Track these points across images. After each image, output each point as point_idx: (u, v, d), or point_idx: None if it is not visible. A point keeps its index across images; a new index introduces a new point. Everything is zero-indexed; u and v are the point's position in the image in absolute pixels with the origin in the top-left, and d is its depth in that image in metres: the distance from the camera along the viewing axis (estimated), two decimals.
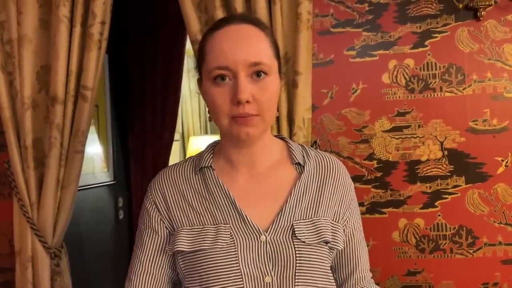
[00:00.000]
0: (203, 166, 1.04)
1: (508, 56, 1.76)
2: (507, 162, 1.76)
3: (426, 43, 1.83)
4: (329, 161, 1.09)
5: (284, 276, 0.95)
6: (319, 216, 1.01)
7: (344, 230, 1.06)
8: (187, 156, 4.29)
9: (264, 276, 0.95)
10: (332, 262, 1.08)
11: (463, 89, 1.80)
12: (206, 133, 4.71)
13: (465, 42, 1.80)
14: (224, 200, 1.01)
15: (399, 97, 1.83)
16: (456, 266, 1.79)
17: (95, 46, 1.73)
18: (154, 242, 1.04)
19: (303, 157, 1.07)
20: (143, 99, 2.96)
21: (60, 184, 1.78)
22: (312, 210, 1.02)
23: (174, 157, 3.70)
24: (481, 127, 1.79)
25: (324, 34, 1.86)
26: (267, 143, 1.05)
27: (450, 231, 1.81)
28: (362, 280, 1.08)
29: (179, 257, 1.01)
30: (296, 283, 0.94)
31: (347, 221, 1.07)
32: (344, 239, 1.06)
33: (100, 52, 1.75)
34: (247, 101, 0.93)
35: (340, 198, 1.06)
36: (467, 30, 1.80)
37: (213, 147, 1.09)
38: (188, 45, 3.05)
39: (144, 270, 1.03)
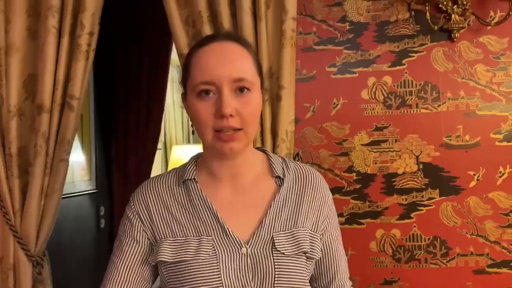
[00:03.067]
0: (186, 178, 1.05)
1: (480, 76, 1.83)
2: (478, 176, 1.83)
3: (403, 61, 1.89)
4: (308, 174, 1.10)
5: (263, 285, 0.97)
6: (298, 227, 1.03)
7: (322, 240, 1.07)
8: (169, 165, 4.22)
9: (245, 287, 0.97)
10: (312, 272, 1.09)
11: (438, 106, 1.86)
12: (189, 142, 4.66)
13: (440, 62, 1.86)
14: (206, 212, 1.01)
15: (377, 112, 1.88)
16: (431, 275, 1.83)
17: (83, 56, 1.73)
18: (133, 252, 1.04)
19: (283, 170, 1.09)
20: (127, 108, 2.94)
21: (44, 192, 1.76)
22: (291, 221, 1.03)
23: (157, 166, 3.68)
24: (455, 142, 1.85)
25: (307, 51, 1.91)
26: (250, 157, 1.07)
27: (425, 241, 1.85)
28: (342, 286, 1.09)
29: (162, 268, 1.01)
30: None
31: (325, 231, 1.08)
32: (322, 249, 1.07)
33: (87, 62, 1.76)
34: (231, 115, 0.95)
35: (318, 209, 1.07)
36: (442, 51, 1.86)
37: (196, 159, 1.09)
38: (173, 55, 3.04)
39: (120, 279, 1.03)
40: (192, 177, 1.04)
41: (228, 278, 0.96)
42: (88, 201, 2.70)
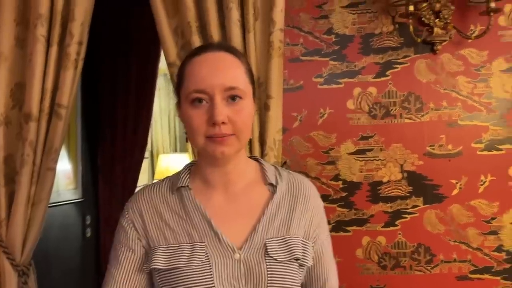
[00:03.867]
0: (180, 186, 1.06)
1: (461, 87, 1.89)
2: (461, 185, 1.88)
3: (387, 73, 1.94)
4: (301, 182, 1.12)
5: None
6: (290, 234, 1.04)
7: (313, 247, 1.08)
8: (155, 174, 4.23)
9: None
10: (303, 279, 1.11)
11: (421, 116, 1.91)
12: (176, 151, 4.67)
13: (423, 73, 1.92)
14: (200, 219, 1.02)
15: (363, 122, 1.92)
16: (415, 282, 1.87)
17: (72, 65, 1.72)
18: (130, 261, 1.05)
19: (276, 177, 1.10)
20: (114, 116, 2.93)
21: (30, 201, 1.74)
22: (284, 228, 1.04)
23: (143, 175, 3.67)
24: (438, 151, 1.89)
25: (294, 62, 1.95)
26: (242, 164, 1.08)
27: (409, 248, 1.89)
28: None
29: (156, 275, 1.02)
30: None
31: (317, 240, 1.10)
32: (313, 256, 1.08)
33: (76, 71, 1.75)
34: (223, 122, 0.97)
35: (310, 217, 1.09)
36: (425, 62, 1.91)
37: (189, 167, 1.11)
38: (160, 64, 3.02)
39: (117, 285, 1.04)
40: (186, 184, 1.06)
41: (221, 284, 0.97)
42: (74, 210, 2.68)
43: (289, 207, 1.07)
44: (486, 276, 1.86)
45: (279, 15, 1.66)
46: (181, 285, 0.98)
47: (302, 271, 1.05)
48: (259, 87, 1.71)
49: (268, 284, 0.99)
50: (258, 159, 1.14)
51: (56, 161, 1.78)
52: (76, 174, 2.67)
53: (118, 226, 1.09)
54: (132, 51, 2.89)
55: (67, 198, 2.58)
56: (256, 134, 1.68)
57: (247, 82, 1.04)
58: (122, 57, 2.87)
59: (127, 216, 1.06)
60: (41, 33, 1.71)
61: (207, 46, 1.08)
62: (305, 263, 1.04)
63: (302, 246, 1.04)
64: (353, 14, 1.95)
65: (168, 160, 4.06)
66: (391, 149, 1.91)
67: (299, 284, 1.04)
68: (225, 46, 1.10)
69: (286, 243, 1.02)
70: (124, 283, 1.04)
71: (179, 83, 1.06)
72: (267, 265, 0.99)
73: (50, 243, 2.33)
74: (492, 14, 1.77)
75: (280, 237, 1.02)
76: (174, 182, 1.08)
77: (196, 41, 1.68)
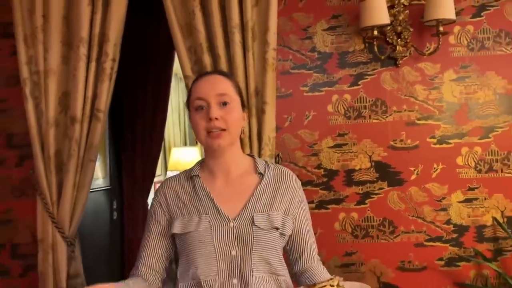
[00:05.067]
0: (192, 175, 1.25)
1: (418, 93, 1.98)
2: (417, 171, 1.97)
3: (359, 82, 2.00)
4: (283, 172, 1.26)
5: (244, 251, 1.14)
6: (273, 210, 1.18)
7: (293, 222, 1.22)
8: (168, 165, 4.19)
9: (231, 251, 1.14)
10: (287, 246, 1.24)
11: (386, 117, 1.99)
12: (186, 144, 4.63)
13: (387, 83, 2.00)
14: (206, 198, 1.20)
15: (340, 122, 2.01)
16: (381, 248, 1.97)
17: (107, 78, 1.82)
18: (157, 230, 1.25)
19: (265, 168, 1.25)
20: (134, 117, 2.92)
21: (76, 187, 1.84)
22: (268, 206, 1.19)
23: (158, 166, 3.66)
24: (399, 145, 1.98)
25: (285, 74, 2.02)
26: (237, 156, 1.24)
27: (376, 222, 1.98)
28: (310, 260, 1.23)
29: (176, 238, 1.21)
30: (252, 255, 1.14)
31: (296, 216, 1.23)
32: (292, 228, 1.21)
33: (110, 82, 1.84)
34: (216, 118, 1.15)
35: (290, 198, 1.22)
36: (389, 74, 1.99)
37: (200, 162, 1.29)
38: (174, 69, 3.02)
39: (149, 248, 1.24)
40: (197, 174, 1.25)
41: (219, 243, 1.14)
42: (104, 196, 2.75)
43: (273, 190, 1.22)
44: (438, 243, 1.95)
45: (272, 37, 1.76)
46: (191, 244, 1.16)
47: (282, 239, 1.20)
48: (257, 95, 1.78)
49: (254, 245, 1.14)
50: (253, 155, 1.31)
51: (96, 155, 1.86)
52: (105, 166, 2.74)
53: (150, 206, 1.29)
54: (149, 59, 2.89)
55: (99, 186, 2.65)
56: (254, 132, 1.76)
57: (235, 93, 1.22)
58: (140, 64, 2.86)
59: (156, 199, 1.27)
60: (82, 52, 1.80)
61: (206, 72, 1.31)
62: (284, 233, 1.19)
63: (282, 219, 1.18)
64: (332, 35, 2.00)
65: (179, 153, 4.03)
66: (362, 143, 1.99)
67: (279, 249, 1.19)
68: (219, 71, 1.35)
69: (268, 216, 1.17)
70: (153, 244, 1.24)
71: (188, 97, 1.26)
72: (253, 231, 1.15)
73: (87, 223, 2.38)
74: (440, 35, 1.87)
75: (265, 212, 1.17)
76: (188, 173, 1.28)
77: (206, 59, 1.77)
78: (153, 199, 1.30)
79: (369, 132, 2.00)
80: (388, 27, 1.94)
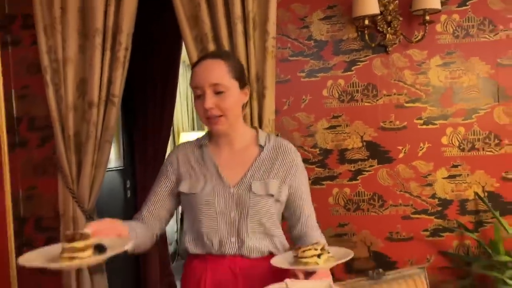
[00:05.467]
0: (202, 144, 1.30)
1: (406, 78, 2.01)
2: (405, 150, 2.02)
3: (352, 68, 2.04)
4: (283, 145, 1.29)
5: (242, 213, 1.20)
6: (270, 179, 1.22)
7: (289, 189, 1.25)
8: None
9: (230, 213, 1.20)
10: (285, 213, 1.29)
11: (376, 100, 2.03)
12: (193, 129, 4.66)
13: (378, 68, 2.03)
14: (211, 165, 1.26)
15: (334, 105, 2.05)
16: (371, 220, 2.03)
17: (121, 66, 1.89)
18: (165, 183, 1.30)
19: (265, 141, 1.28)
20: (145, 103, 2.93)
21: (94, 165, 1.92)
22: (266, 174, 1.23)
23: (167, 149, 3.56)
24: (388, 126, 2.03)
25: (284, 61, 2.05)
26: (240, 132, 1.27)
27: (367, 196, 2.04)
28: (306, 227, 1.26)
29: (182, 196, 1.27)
30: (248, 218, 1.19)
31: (292, 184, 1.26)
32: (289, 196, 1.25)
33: (124, 69, 1.91)
34: (211, 108, 1.18)
35: (288, 168, 1.25)
36: (380, 60, 2.02)
37: (208, 134, 1.32)
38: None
39: (155, 198, 1.29)
40: (205, 143, 1.30)
41: (219, 206, 1.21)
42: (118, 175, 2.80)
43: (271, 160, 1.26)
44: (423, 216, 2.01)
45: (272, 27, 1.81)
46: (196, 204, 1.22)
47: (278, 205, 1.24)
48: (258, 80, 1.83)
49: (250, 209, 1.20)
50: (256, 128, 1.36)
51: (112, 136, 1.94)
52: (119, 148, 2.79)
53: (163, 164, 1.35)
54: (158, 48, 2.88)
55: (114, 166, 2.70)
56: (255, 115, 1.82)
57: (229, 78, 1.20)
58: (150, 53, 2.85)
59: (169, 159, 1.33)
60: (98, 42, 1.87)
61: (203, 56, 1.28)
62: (279, 199, 1.23)
63: (278, 187, 1.22)
64: (327, 25, 2.04)
65: (188, 137, 3.91)
66: (354, 125, 2.03)
67: (274, 213, 1.24)
68: (215, 53, 1.30)
69: (265, 184, 1.21)
70: (159, 193, 1.29)
71: (190, 84, 1.29)
72: (250, 197, 1.20)
73: (103, 200, 2.37)
74: (427, 24, 1.91)
75: (262, 180, 1.22)
76: (199, 142, 1.33)
77: (211, 48, 1.83)
78: (166, 158, 1.35)
79: (361, 114, 2.04)
80: (379, 16, 1.96)
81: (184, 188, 1.25)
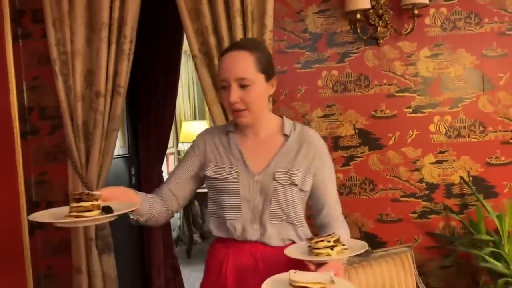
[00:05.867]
0: (228, 130, 1.27)
1: (397, 69, 2.06)
2: (395, 137, 2.07)
3: (345, 60, 2.08)
4: (308, 133, 1.25)
5: (266, 201, 1.18)
6: (294, 168, 1.18)
7: (314, 179, 1.20)
8: (180, 137, 4.20)
9: (254, 200, 1.18)
10: (309, 201, 1.25)
11: (368, 90, 2.08)
12: (195, 118, 4.64)
13: (370, 60, 2.07)
14: (237, 152, 1.23)
15: (328, 95, 2.09)
16: (362, 203, 2.08)
17: (126, 58, 1.95)
18: (189, 165, 1.28)
19: (291, 130, 1.23)
20: (148, 94, 2.91)
21: (101, 153, 2.00)
22: (290, 164, 1.19)
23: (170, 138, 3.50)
24: (379, 115, 2.08)
25: (280, 53, 2.08)
26: (265, 122, 1.24)
27: (359, 181, 2.09)
28: (329, 217, 1.22)
29: (207, 180, 1.25)
30: (271, 206, 1.17)
31: (317, 173, 1.21)
32: (313, 185, 1.21)
33: (129, 61, 1.97)
34: (236, 101, 1.15)
35: (312, 158, 1.21)
36: (372, 52, 2.07)
37: (234, 121, 1.27)
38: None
39: (176, 177, 1.28)
40: (232, 130, 1.27)
41: (244, 192, 1.19)
42: (123, 162, 2.83)
43: (296, 149, 1.22)
44: (412, 199, 2.07)
45: (269, 20, 1.87)
46: (221, 189, 1.21)
47: (302, 194, 1.20)
48: None
49: (273, 198, 1.17)
50: (283, 116, 1.29)
51: (118, 125, 2.00)
52: (124, 136, 2.82)
53: (189, 147, 1.33)
54: (161, 41, 2.87)
55: (119, 154, 2.70)
56: None
57: (255, 71, 1.16)
58: (152, 47, 2.85)
59: (196, 142, 1.31)
60: (104, 35, 1.93)
61: (229, 47, 1.24)
62: (303, 189, 1.19)
63: (302, 177, 1.18)
64: (322, 18, 2.07)
65: (189, 126, 4.04)
66: (347, 114, 2.08)
67: (298, 202, 1.20)
68: (241, 44, 1.22)
69: (289, 173, 1.18)
70: (179, 174, 1.28)
71: (217, 75, 1.29)
72: (273, 185, 1.17)
73: (109, 185, 2.43)
74: (416, 18, 1.95)
75: (286, 169, 1.19)
76: (225, 128, 1.30)
77: (212, 40, 1.89)
78: (193, 141, 1.33)
79: (353, 103, 2.09)
80: (371, 10, 2.00)
81: (209, 172, 1.23)
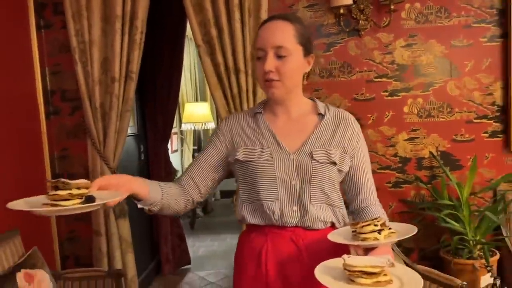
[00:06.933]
0: (256, 112, 1.14)
1: (376, 58, 2.17)
2: (373, 118, 2.20)
3: (331, 49, 2.19)
4: (343, 114, 1.13)
5: (304, 181, 1.05)
6: (331, 147, 1.06)
7: (350, 161, 1.09)
8: (182, 118, 4.19)
9: (291, 180, 1.05)
10: (344, 186, 1.12)
11: (351, 76, 2.19)
12: (197, 100, 4.60)
13: (352, 49, 2.18)
14: (268, 133, 1.10)
15: (315, 80, 2.18)
16: None
17: (137, 47, 2.06)
18: (212, 153, 1.14)
19: (325, 110, 1.12)
20: (154, 78, 3.00)
21: (117, 131, 2.12)
22: (326, 143, 1.07)
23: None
24: (360, 98, 2.20)
25: None
26: (297, 100, 1.11)
27: None
28: (366, 201, 1.10)
29: (237, 165, 1.10)
30: (311, 186, 1.05)
31: (354, 155, 1.09)
32: (350, 167, 1.09)
33: (140, 50, 2.08)
34: (271, 71, 1.02)
35: (349, 139, 1.09)
36: (354, 42, 2.18)
37: (264, 102, 1.16)
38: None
39: (199, 164, 1.14)
40: (260, 111, 1.14)
41: (280, 173, 1.05)
42: (133, 140, 2.93)
43: (332, 129, 1.10)
44: (387, 171, 2.20)
45: (264, 14, 1.98)
46: (254, 172, 1.07)
47: (340, 174, 1.08)
48: (252, 60, 1.96)
49: (312, 177, 1.05)
50: (314, 99, 1.17)
51: (131, 106, 2.12)
52: (133, 116, 2.88)
53: (213, 133, 1.19)
54: (165, 29, 2.91)
55: (130, 132, 2.76)
56: (250, 90, 1.99)
57: (294, 42, 1.03)
58: (158, 32, 2.85)
59: (220, 127, 1.17)
60: (118, 27, 2.03)
61: (271, 17, 1.10)
62: (341, 169, 1.07)
63: (340, 156, 1.07)
64: (311, 11, 2.16)
65: (192, 108, 4.02)
66: (332, 97, 2.19)
67: (336, 182, 1.08)
68: (283, 15, 1.08)
69: (326, 152, 1.06)
70: (202, 161, 1.14)
71: (254, 44, 1.22)
72: (312, 164, 1.04)
73: (122, 161, 2.43)
74: (392, 12, 2.08)
75: (323, 149, 1.06)
76: (252, 111, 1.17)
77: (213, 31, 1.99)
78: (217, 127, 1.19)
79: (337, 88, 2.20)
80: (353, 5, 2.11)
81: (240, 155, 1.09)
